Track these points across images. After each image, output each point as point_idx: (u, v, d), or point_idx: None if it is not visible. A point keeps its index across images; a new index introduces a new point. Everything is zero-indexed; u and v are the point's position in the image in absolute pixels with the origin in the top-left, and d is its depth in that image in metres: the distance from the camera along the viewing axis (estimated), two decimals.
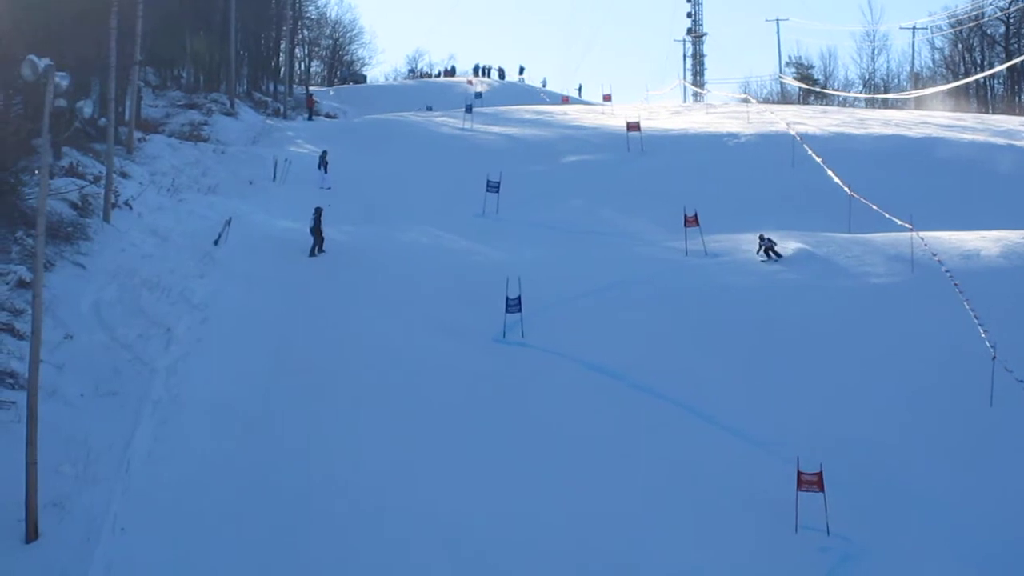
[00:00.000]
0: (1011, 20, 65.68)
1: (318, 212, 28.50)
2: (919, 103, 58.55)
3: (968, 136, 40.32)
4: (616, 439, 19.71)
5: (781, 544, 17.11)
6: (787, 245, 27.78)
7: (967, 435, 19.82)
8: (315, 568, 16.01)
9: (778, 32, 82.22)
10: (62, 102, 17.57)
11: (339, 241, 28.94)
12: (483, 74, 76.95)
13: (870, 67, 75.53)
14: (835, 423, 20.20)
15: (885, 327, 23.48)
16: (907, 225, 26.67)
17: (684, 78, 77.84)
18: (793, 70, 76.53)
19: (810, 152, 34.55)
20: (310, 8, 69.79)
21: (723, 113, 49.67)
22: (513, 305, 23.78)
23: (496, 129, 45.16)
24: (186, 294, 24.41)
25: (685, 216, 28.74)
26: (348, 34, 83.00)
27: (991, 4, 65.52)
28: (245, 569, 15.90)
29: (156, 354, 21.55)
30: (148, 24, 37.08)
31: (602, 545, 16.91)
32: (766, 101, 63.60)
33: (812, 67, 77.12)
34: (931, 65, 73.31)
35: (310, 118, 53.75)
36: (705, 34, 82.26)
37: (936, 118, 47.10)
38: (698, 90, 77.49)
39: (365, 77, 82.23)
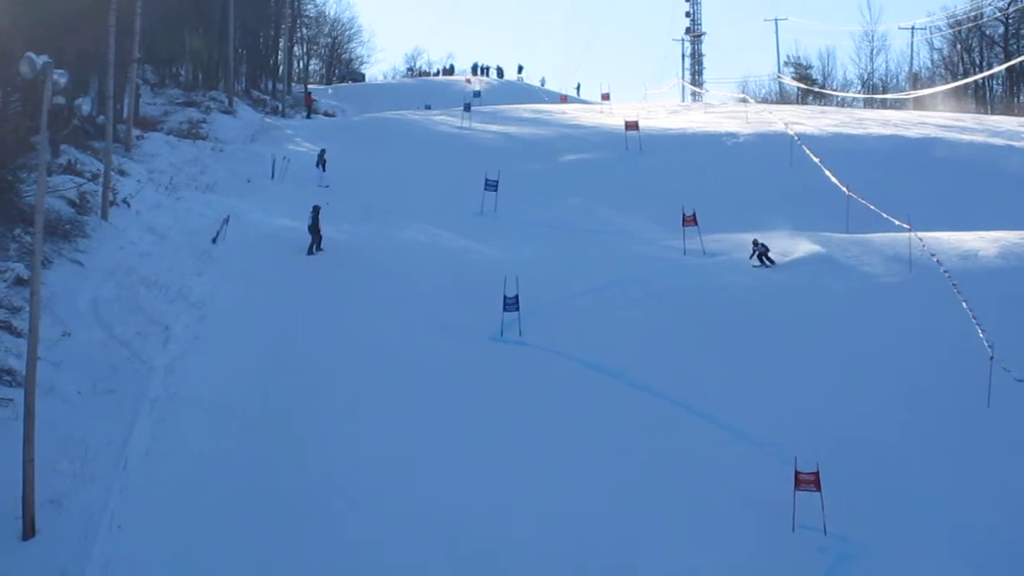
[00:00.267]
0: (1010, 21, 65.72)
1: (316, 210, 28.47)
2: (918, 103, 58.47)
3: (967, 137, 40.32)
4: (614, 438, 19.69)
5: (778, 543, 17.09)
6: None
7: (965, 435, 19.81)
8: (313, 565, 16.01)
9: (777, 32, 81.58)
10: (60, 99, 17.57)
11: (337, 239, 28.93)
12: (482, 73, 76.87)
13: (869, 67, 75.49)
14: (833, 422, 20.20)
15: (883, 327, 23.47)
16: (905, 225, 26.66)
17: (683, 77, 77.79)
18: (792, 70, 76.52)
19: (808, 152, 34.51)
20: (309, 6, 69.94)
21: (721, 113, 49.64)
22: (511, 304, 23.75)
23: (494, 128, 45.11)
24: (184, 292, 24.41)
25: (683, 215, 28.77)
26: (347, 32, 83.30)
27: (990, 4, 65.64)
28: (243, 567, 15.90)
29: (154, 352, 21.54)
30: (147, 21, 37.05)
31: (600, 544, 16.90)
32: (764, 101, 63.53)
33: (811, 67, 77.18)
34: (930, 65, 73.34)
35: (308, 116, 53.69)
36: (704, 34, 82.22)
37: (935, 118, 47.06)
38: (697, 90, 77.42)
39: (363, 75, 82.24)
